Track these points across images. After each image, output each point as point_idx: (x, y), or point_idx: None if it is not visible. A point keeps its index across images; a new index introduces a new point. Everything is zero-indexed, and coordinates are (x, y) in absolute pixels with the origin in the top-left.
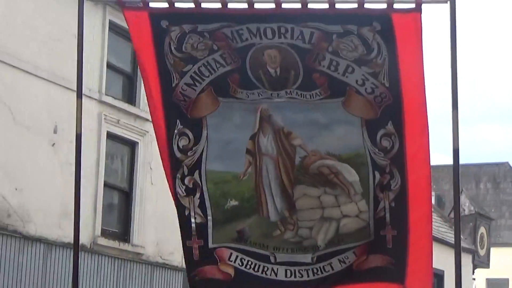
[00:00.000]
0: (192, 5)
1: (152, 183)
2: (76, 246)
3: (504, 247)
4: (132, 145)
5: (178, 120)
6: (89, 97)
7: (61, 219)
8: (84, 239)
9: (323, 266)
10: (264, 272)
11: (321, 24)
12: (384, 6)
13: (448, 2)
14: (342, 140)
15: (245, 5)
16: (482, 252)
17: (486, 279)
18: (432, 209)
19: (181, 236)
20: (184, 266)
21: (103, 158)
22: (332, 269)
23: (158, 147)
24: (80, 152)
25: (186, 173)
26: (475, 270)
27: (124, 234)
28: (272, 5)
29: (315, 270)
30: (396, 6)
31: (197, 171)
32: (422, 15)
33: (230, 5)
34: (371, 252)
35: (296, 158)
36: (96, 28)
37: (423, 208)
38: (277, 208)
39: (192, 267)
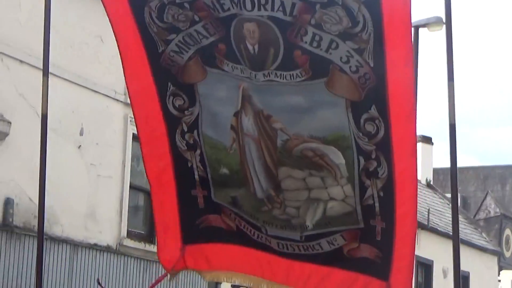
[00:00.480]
0: None
1: None
2: (40, 232)
3: None
4: None
5: (169, 83)
6: (115, 99)
7: (87, 221)
8: (110, 240)
9: (313, 245)
10: (259, 238)
11: None
12: None
13: None
14: (327, 121)
15: None
16: (507, 254)
17: None
18: (458, 212)
19: (183, 187)
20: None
21: (129, 159)
22: (322, 248)
23: (146, 114)
24: (46, 134)
25: (185, 130)
26: (501, 272)
27: (149, 236)
28: None
29: (305, 247)
30: None
31: (195, 131)
32: None
33: None
34: (362, 241)
35: (278, 141)
36: None
37: (407, 204)
38: (263, 187)
39: (196, 215)
